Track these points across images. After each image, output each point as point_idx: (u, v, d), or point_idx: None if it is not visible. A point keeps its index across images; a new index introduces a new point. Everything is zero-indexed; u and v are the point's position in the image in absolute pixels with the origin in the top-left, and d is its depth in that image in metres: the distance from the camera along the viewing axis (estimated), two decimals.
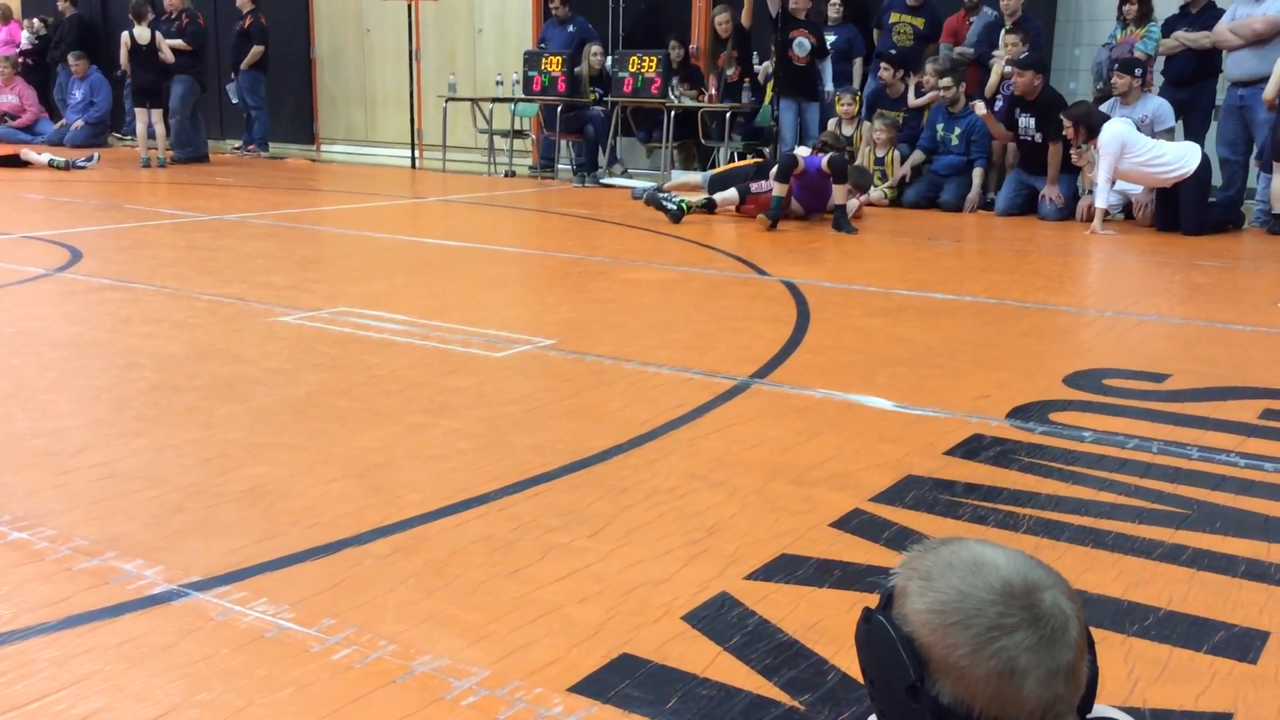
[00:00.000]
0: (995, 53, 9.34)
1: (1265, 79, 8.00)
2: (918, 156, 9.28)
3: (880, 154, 9.43)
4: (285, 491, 2.88)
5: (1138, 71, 8.29)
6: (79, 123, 13.96)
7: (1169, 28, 8.70)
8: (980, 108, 8.83)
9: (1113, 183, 7.89)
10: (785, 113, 10.20)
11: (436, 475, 3.02)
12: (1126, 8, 8.80)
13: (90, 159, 11.58)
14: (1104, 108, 8.35)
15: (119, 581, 2.35)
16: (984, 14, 9.55)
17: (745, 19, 10.35)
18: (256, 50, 12.96)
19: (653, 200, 8.27)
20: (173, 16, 12.43)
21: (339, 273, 6.21)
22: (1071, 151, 8.17)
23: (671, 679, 2.01)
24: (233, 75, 13.30)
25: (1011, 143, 8.99)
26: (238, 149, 13.75)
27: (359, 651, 2.08)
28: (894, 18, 9.92)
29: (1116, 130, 7.74)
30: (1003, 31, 9.23)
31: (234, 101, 13.53)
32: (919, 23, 9.83)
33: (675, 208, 8.06)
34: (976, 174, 9.06)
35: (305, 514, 2.73)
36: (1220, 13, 8.49)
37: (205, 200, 9.21)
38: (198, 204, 8.93)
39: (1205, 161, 7.80)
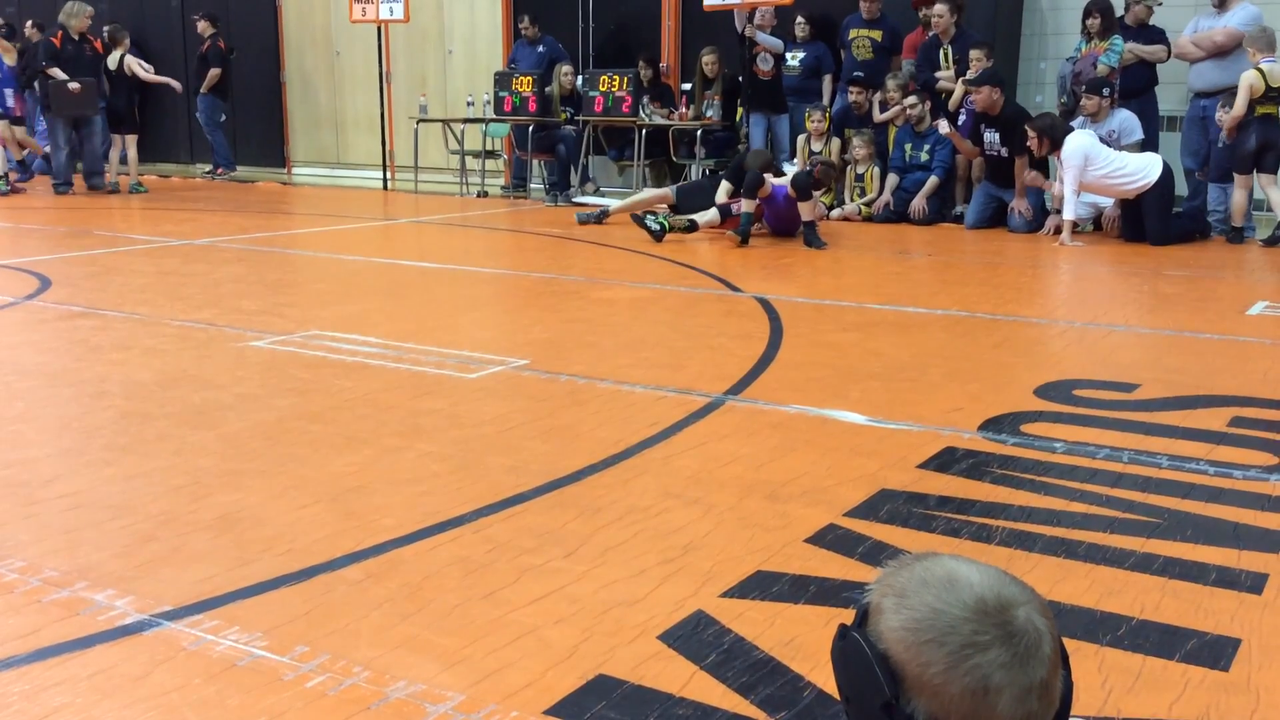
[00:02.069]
0: (939, 73, 9.42)
1: (1227, 89, 8.12)
2: (894, 180, 9.35)
3: (860, 170, 9.51)
4: (257, 518, 2.86)
5: (1106, 91, 8.39)
6: (46, 149, 13.86)
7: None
8: (944, 126, 8.91)
9: (1077, 194, 7.96)
10: (755, 128, 10.26)
11: (410, 499, 3.00)
12: (1090, 21, 8.90)
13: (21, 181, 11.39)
14: (1074, 124, 8.42)
15: (90, 612, 2.32)
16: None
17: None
18: (213, 73, 12.97)
19: (637, 219, 8.30)
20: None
21: (311, 296, 6.19)
22: (1026, 174, 8.30)
23: (648, 699, 2.00)
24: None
25: (971, 159, 9.09)
26: (208, 174, 13.70)
27: (333, 679, 2.06)
28: (853, 34, 10.05)
29: (1079, 142, 7.82)
30: (946, 49, 9.33)
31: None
32: (876, 35, 9.97)
33: (659, 227, 8.09)
34: (930, 182, 9.14)
35: (277, 541, 2.71)
36: (1160, 31, 8.66)
37: (175, 225, 9.16)
38: (168, 229, 8.88)
39: (1167, 172, 7.89)
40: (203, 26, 13.21)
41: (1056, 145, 7.91)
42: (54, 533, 2.75)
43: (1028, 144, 8.15)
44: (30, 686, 2.03)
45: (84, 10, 11.51)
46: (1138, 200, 7.92)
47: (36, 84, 13.90)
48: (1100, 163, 7.82)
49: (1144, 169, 7.84)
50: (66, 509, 2.91)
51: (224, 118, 13.36)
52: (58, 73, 11.12)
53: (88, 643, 2.20)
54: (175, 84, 12.26)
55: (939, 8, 9.21)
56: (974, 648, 1.07)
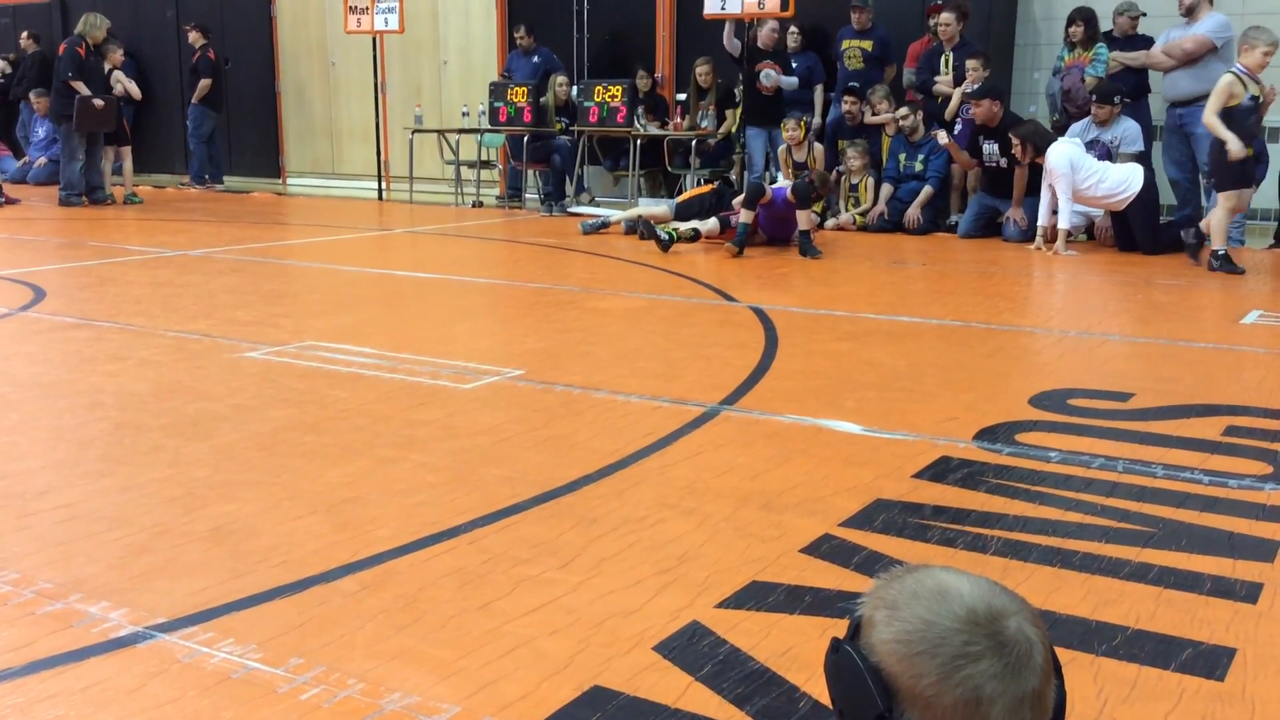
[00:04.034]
0: (938, 77, 9.47)
1: (1201, 97, 8.22)
2: (888, 190, 9.39)
3: (855, 180, 9.54)
4: (252, 529, 2.85)
5: (1117, 99, 8.41)
6: (42, 160, 13.89)
7: None
8: (943, 137, 8.95)
9: (1071, 203, 8.00)
10: (754, 140, 10.31)
11: (405, 509, 3.00)
12: (1073, 30, 8.98)
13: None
14: (1076, 129, 8.46)
15: (84, 624, 2.32)
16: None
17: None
18: (204, 84, 12.99)
19: (646, 230, 8.32)
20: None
21: (306, 307, 6.19)
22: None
23: (643, 711, 2.00)
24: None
25: (969, 169, 9.12)
26: (205, 186, 13.69)
27: (327, 691, 2.06)
28: (845, 44, 10.14)
29: (1065, 151, 7.85)
30: (947, 56, 9.37)
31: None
32: (867, 45, 10.06)
33: (667, 237, 8.11)
34: (925, 192, 9.17)
35: (272, 552, 2.71)
36: (1147, 40, 8.72)
37: (170, 236, 9.16)
38: (162, 240, 8.88)
39: (1150, 182, 7.91)
40: (194, 37, 13.23)
41: (1039, 152, 7.97)
42: (48, 545, 2.75)
43: (1012, 150, 8.20)
44: (24, 699, 2.03)
45: (105, 22, 11.54)
46: (1123, 212, 7.95)
47: (31, 95, 14.00)
48: (1084, 173, 7.85)
49: (1125, 181, 7.86)
50: (60, 521, 2.91)
51: (211, 130, 13.37)
52: (81, 87, 11.08)
53: (81, 655, 2.19)
54: (135, 93, 12.19)
55: (945, 16, 9.28)
56: (966, 658, 1.07)
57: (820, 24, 10.44)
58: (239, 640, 2.25)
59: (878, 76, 9.98)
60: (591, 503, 3.06)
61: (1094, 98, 8.55)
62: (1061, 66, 9.17)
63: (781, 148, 9.84)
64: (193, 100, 13.15)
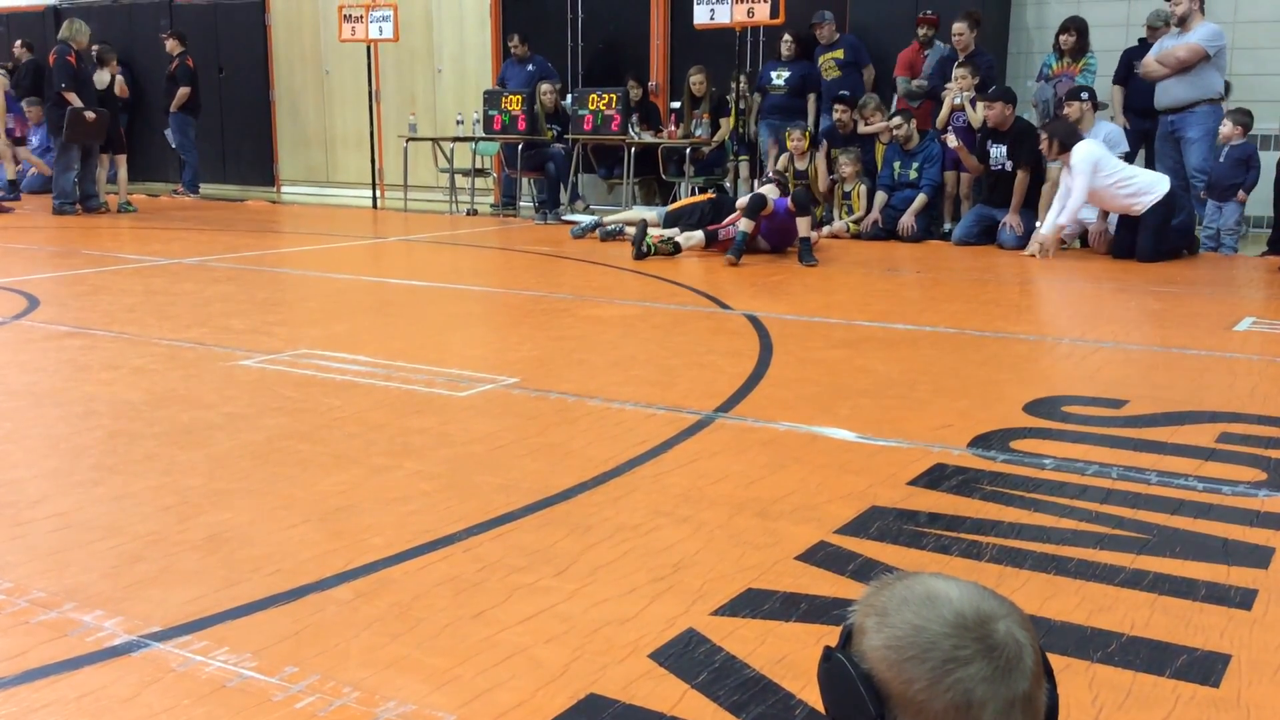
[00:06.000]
0: (947, 85, 9.53)
1: (1192, 105, 8.27)
2: (881, 198, 9.41)
3: (847, 188, 9.55)
4: (246, 538, 2.85)
5: (1084, 96, 8.47)
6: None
7: (1128, 59, 8.94)
8: (953, 140, 8.97)
9: (1082, 202, 8.03)
10: (765, 131, 10.45)
11: (400, 518, 3.00)
12: (1064, 38, 9.02)
13: None
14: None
15: (78, 633, 2.31)
16: (938, 48, 9.77)
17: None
18: (182, 92, 13.02)
19: (640, 236, 8.30)
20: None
21: (300, 315, 6.18)
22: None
23: (639, 718, 2.00)
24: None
25: (976, 174, 9.13)
26: (195, 193, 13.68)
27: (323, 699, 2.06)
28: (821, 59, 10.43)
29: (1089, 149, 7.86)
30: (955, 65, 9.42)
31: (173, 145, 13.57)
32: (839, 54, 10.35)
33: (647, 249, 8.10)
34: (919, 200, 9.19)
35: (266, 560, 2.70)
36: None
37: (164, 244, 9.15)
38: (156, 248, 8.87)
39: (1173, 192, 7.94)
40: (171, 45, 13.23)
41: (1065, 148, 7.95)
42: (42, 553, 2.74)
43: (1039, 147, 8.21)
44: (18, 709, 2.02)
45: (86, 28, 11.54)
46: (1137, 216, 7.96)
47: (24, 103, 13.97)
48: (1107, 171, 7.85)
49: (1153, 185, 7.89)
50: (54, 529, 2.90)
51: (194, 135, 13.41)
52: (74, 99, 11.08)
53: (76, 664, 2.19)
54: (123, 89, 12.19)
55: (958, 25, 9.37)
56: (955, 662, 1.07)
57: (813, 34, 10.51)
58: (234, 649, 2.24)
59: (857, 80, 10.13)
60: (586, 510, 3.06)
61: (1063, 97, 8.62)
62: (1049, 73, 9.23)
63: (784, 157, 9.87)
64: (171, 109, 13.15)
